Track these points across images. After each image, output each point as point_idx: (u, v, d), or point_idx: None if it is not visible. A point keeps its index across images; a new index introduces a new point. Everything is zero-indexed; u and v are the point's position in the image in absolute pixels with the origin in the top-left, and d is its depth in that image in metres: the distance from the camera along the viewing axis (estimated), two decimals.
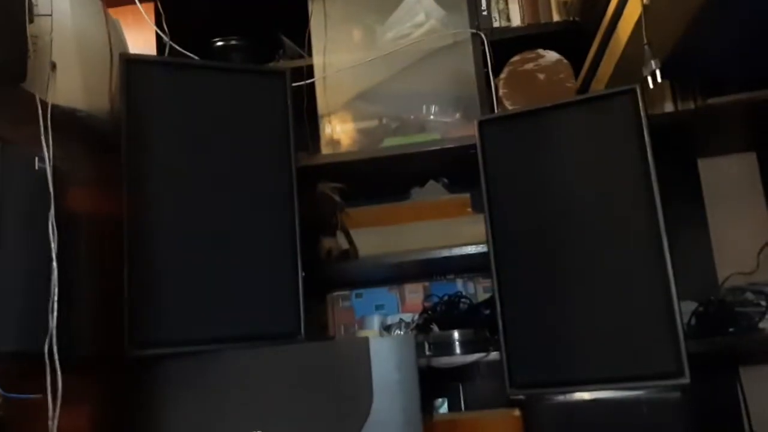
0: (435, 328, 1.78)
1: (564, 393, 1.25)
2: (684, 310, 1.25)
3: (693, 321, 1.59)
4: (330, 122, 1.82)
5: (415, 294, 2.05)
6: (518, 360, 1.31)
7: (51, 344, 1.15)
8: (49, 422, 1.21)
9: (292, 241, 1.41)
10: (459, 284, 2.03)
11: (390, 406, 1.20)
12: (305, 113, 1.76)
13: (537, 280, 1.37)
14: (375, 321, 1.95)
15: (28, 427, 1.25)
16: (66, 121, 1.30)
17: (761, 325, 1.52)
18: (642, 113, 1.30)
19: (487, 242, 1.44)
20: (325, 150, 1.79)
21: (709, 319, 1.59)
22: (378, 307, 2.03)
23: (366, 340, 1.22)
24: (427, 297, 2.02)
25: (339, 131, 1.83)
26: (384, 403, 1.20)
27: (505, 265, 1.41)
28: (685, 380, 1.17)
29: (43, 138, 1.22)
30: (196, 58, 1.60)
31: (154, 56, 1.60)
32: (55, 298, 1.17)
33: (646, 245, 1.28)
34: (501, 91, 1.72)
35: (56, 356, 1.15)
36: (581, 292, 1.32)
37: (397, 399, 1.20)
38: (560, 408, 1.23)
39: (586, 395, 1.22)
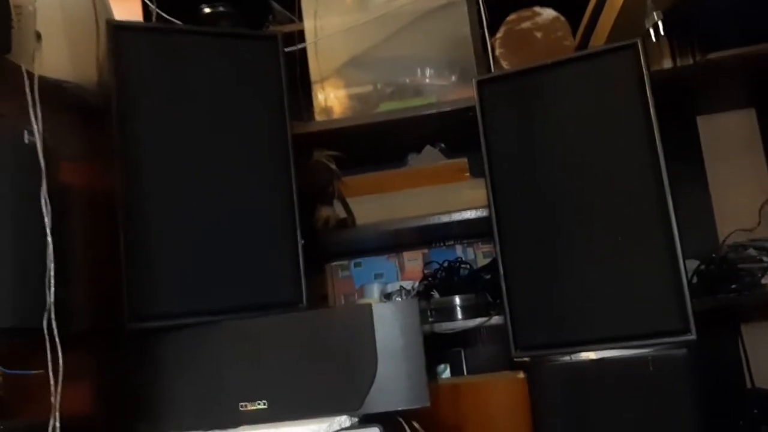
0: (436, 294, 1.77)
1: (569, 354, 1.24)
2: (686, 268, 1.23)
3: (695, 279, 1.58)
4: (323, 89, 1.78)
5: (414, 261, 2.04)
6: (522, 322, 1.30)
7: (50, 320, 1.14)
8: (52, 398, 1.20)
9: (290, 209, 1.38)
10: (458, 250, 2.02)
11: (395, 371, 1.19)
12: (298, 80, 1.73)
13: (539, 241, 1.36)
14: (375, 289, 1.93)
15: (29, 404, 1.24)
16: (54, 92, 1.27)
17: (764, 281, 1.51)
18: (644, 68, 1.27)
19: (488, 205, 1.42)
20: (318, 116, 1.76)
21: (712, 277, 1.58)
22: (377, 276, 2.02)
23: (369, 306, 1.20)
24: (427, 264, 2.01)
25: (332, 98, 1.79)
26: (389, 368, 1.19)
27: (507, 227, 1.39)
28: (692, 337, 1.17)
29: (31, 111, 1.18)
30: (182, 24, 1.56)
31: (141, 23, 1.56)
32: (52, 273, 1.15)
33: (650, 203, 1.26)
34: (497, 51, 1.68)
35: (56, 332, 1.14)
36: (585, 253, 1.31)
37: (402, 364, 1.19)
38: (565, 369, 1.23)
39: (591, 355, 1.21)
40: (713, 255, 1.63)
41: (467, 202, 1.70)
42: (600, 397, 1.19)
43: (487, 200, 1.42)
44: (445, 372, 1.91)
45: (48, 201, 1.17)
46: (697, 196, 1.91)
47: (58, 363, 1.17)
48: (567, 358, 1.23)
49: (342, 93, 1.80)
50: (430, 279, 1.85)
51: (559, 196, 1.35)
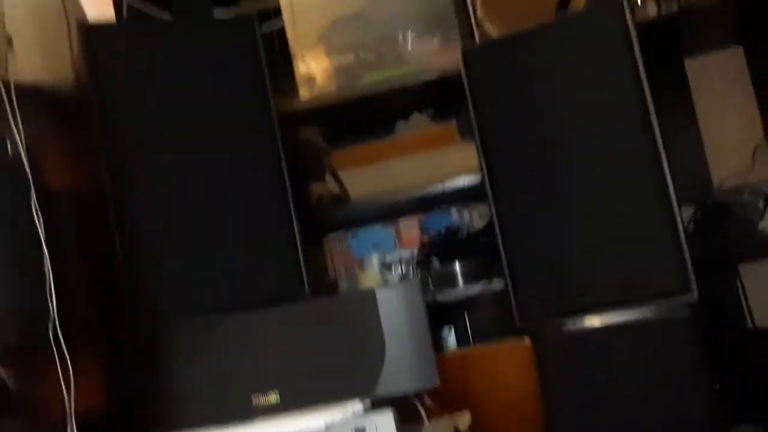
0: (435, 262, 1.77)
1: (573, 321, 1.24)
2: (682, 219, 1.23)
3: (691, 226, 1.58)
4: (304, 60, 1.75)
5: (410, 227, 2.03)
6: (524, 290, 1.30)
7: (55, 331, 1.14)
8: (66, 404, 1.21)
9: (282, 193, 1.37)
10: (454, 213, 2.00)
11: (403, 351, 1.19)
12: (278, 53, 1.70)
13: (534, 203, 1.35)
14: (374, 260, 1.93)
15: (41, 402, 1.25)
16: (31, 97, 1.24)
17: (761, 226, 1.51)
18: (630, 24, 1.25)
19: (480, 171, 1.42)
20: (302, 90, 1.73)
21: (708, 222, 1.58)
22: (375, 245, 2.01)
23: (372, 291, 1.20)
24: (424, 230, 2.00)
25: (314, 68, 1.76)
26: (397, 349, 1.19)
27: (500, 191, 1.39)
28: (693, 297, 1.17)
29: (11, 119, 1.16)
30: (155, 9, 1.52)
31: (113, 23, 1.50)
32: (52, 284, 1.15)
33: (643, 159, 1.26)
34: (479, 11, 1.65)
35: (62, 341, 1.14)
36: (581, 213, 1.31)
37: (408, 343, 1.19)
38: (570, 337, 1.23)
39: (595, 321, 1.22)
40: (708, 201, 1.63)
41: (459, 166, 1.69)
42: (605, 363, 1.19)
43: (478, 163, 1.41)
44: (450, 335, 1.92)
45: (38, 209, 1.16)
46: (689, 141, 1.88)
47: (68, 372, 1.17)
48: (570, 325, 1.24)
49: (324, 63, 1.76)
50: (429, 246, 1.85)
51: (551, 156, 1.33)
